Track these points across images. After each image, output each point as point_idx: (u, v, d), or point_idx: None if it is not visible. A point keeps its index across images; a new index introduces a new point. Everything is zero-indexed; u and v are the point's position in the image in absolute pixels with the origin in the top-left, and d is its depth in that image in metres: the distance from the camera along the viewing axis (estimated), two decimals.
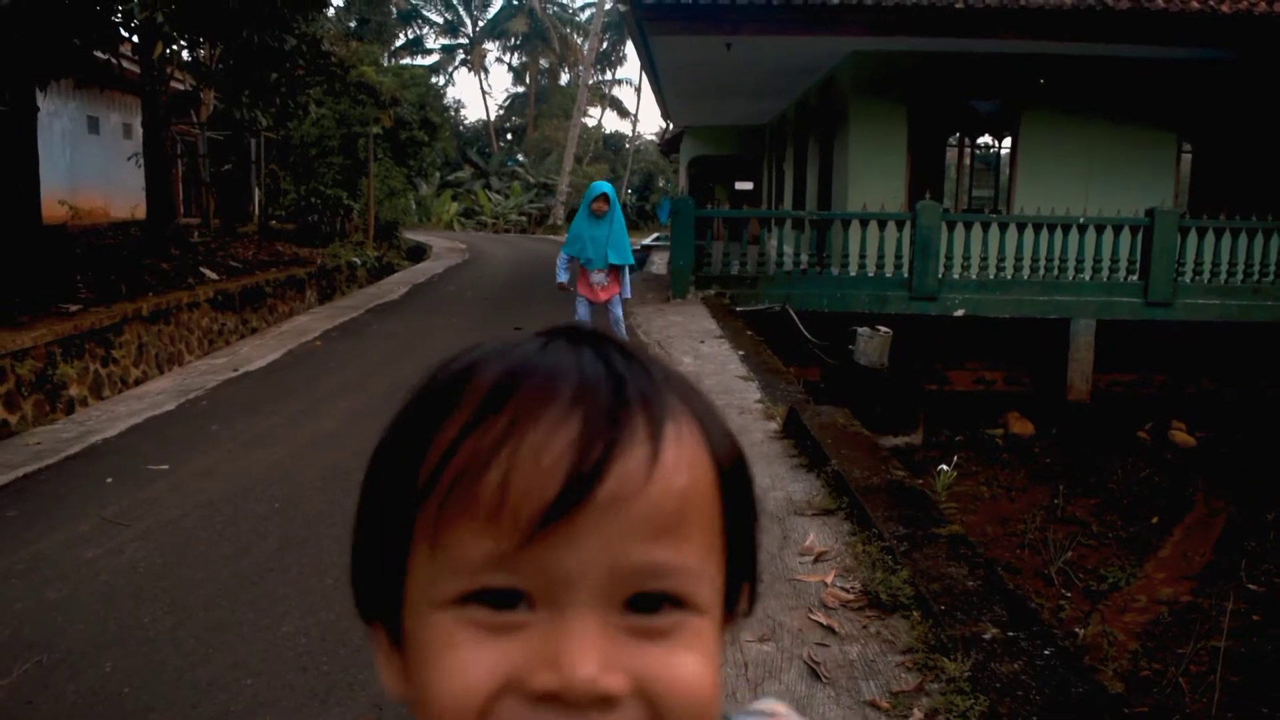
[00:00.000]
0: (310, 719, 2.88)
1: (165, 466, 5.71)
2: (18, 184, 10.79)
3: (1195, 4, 12.44)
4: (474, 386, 0.51)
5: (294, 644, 3.33)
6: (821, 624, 3.40)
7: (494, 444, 0.48)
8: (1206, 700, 7.07)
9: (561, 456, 0.48)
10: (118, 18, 8.88)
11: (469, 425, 0.49)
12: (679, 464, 0.50)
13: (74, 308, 9.56)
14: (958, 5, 12.05)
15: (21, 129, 10.62)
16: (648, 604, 0.49)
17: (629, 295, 8.53)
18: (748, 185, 26.23)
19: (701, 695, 0.49)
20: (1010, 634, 3.04)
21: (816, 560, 4.00)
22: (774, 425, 6.41)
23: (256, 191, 21.62)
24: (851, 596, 3.59)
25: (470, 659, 0.48)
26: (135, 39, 12.36)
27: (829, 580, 3.76)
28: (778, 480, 5.18)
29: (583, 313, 8.22)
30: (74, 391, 8.53)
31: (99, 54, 10.07)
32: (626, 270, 8.38)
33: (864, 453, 5.16)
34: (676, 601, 0.50)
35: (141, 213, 21.86)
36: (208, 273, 12.96)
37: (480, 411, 0.49)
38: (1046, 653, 2.95)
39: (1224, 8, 12.43)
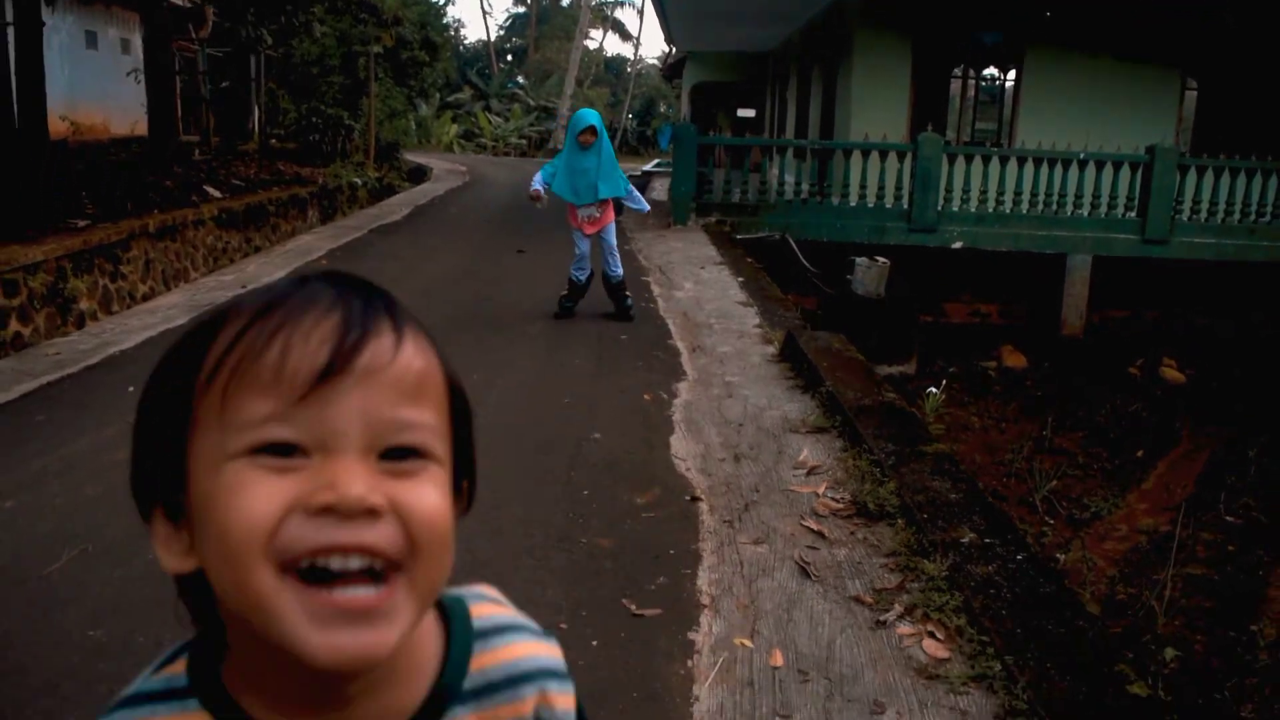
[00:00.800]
0: None
1: None
2: (26, 100, 10.84)
3: None
4: (240, 310, 0.65)
5: None
6: (812, 529, 3.66)
7: (272, 331, 0.63)
8: (1178, 623, 7.41)
9: (327, 337, 0.62)
10: None
11: (246, 326, 0.63)
12: (417, 353, 0.66)
13: (82, 223, 9.67)
14: None
15: (28, 44, 10.64)
16: (398, 455, 0.64)
17: (648, 208, 8.35)
18: (750, 112, 26.16)
19: (440, 517, 0.65)
20: (986, 540, 3.30)
21: (810, 474, 4.25)
22: (771, 349, 6.64)
23: (256, 110, 21.55)
24: (841, 506, 3.85)
25: (260, 491, 0.61)
26: None
27: (820, 491, 4.02)
28: (774, 400, 5.42)
29: (583, 246, 7.92)
30: (84, 305, 8.71)
31: None
32: (634, 194, 8.03)
33: (857, 376, 5.40)
34: (419, 454, 0.65)
35: (141, 129, 21.81)
36: (211, 191, 13.04)
37: (254, 316, 0.64)
38: (1019, 557, 3.21)
39: None
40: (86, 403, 5.43)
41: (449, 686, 0.73)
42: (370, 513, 0.61)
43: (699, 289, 9.00)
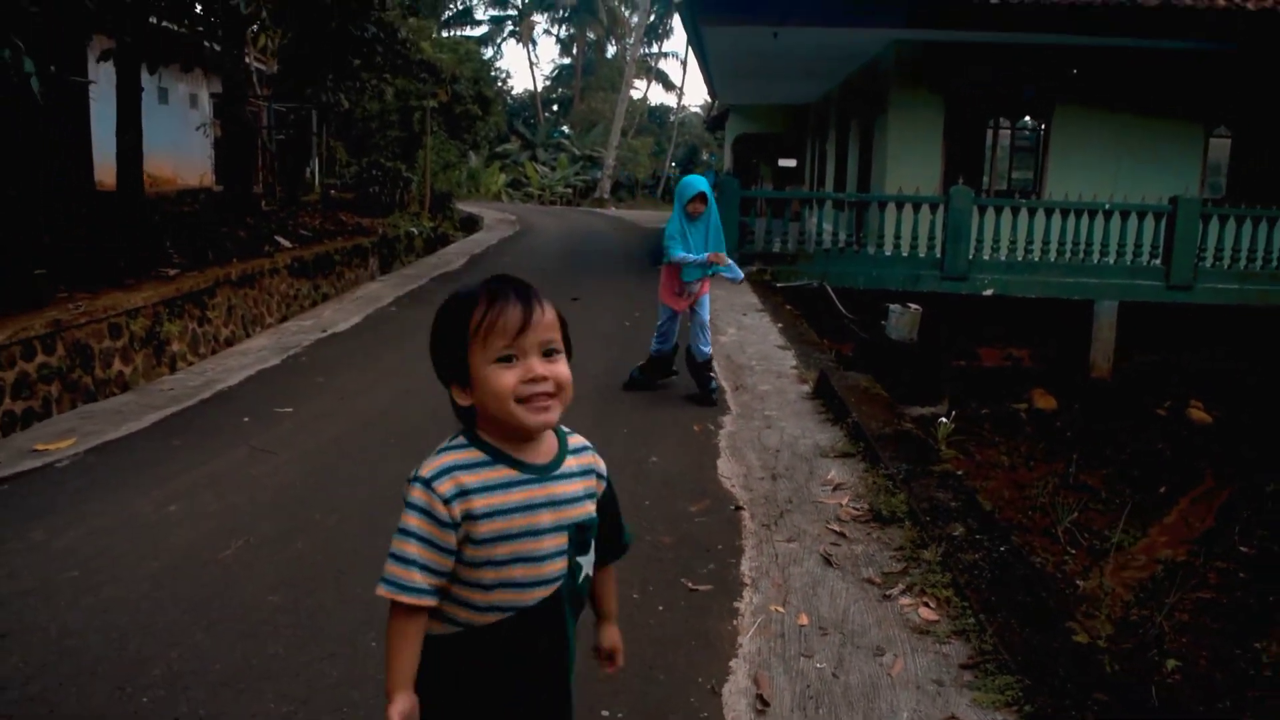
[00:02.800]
0: None
1: (290, 409, 6.86)
2: (124, 159, 11.99)
3: (1221, 1, 13.22)
4: (476, 297, 1.68)
5: None
6: (835, 531, 4.48)
7: (499, 310, 1.65)
8: (1184, 640, 8.08)
9: (520, 311, 1.66)
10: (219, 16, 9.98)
11: (486, 310, 1.65)
12: (551, 311, 1.71)
13: (172, 272, 10.67)
14: (993, 0, 12.92)
15: (128, 107, 11.78)
16: (550, 353, 1.70)
17: (742, 277, 7.66)
18: (791, 163, 27.10)
19: (568, 376, 1.72)
20: (975, 535, 4.10)
21: (835, 489, 5.07)
22: (807, 388, 7.47)
23: (315, 162, 22.83)
24: (860, 513, 4.67)
25: (505, 375, 1.65)
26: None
27: (843, 502, 4.84)
28: (808, 431, 6.26)
29: (665, 324, 7.51)
30: (175, 348, 9.67)
31: (205, 44, 11.14)
32: (733, 264, 7.37)
33: (880, 409, 6.22)
34: (557, 350, 1.71)
35: (207, 181, 23.14)
36: (282, 240, 14.08)
37: (488, 304, 1.65)
38: (1001, 548, 4.00)
39: (1249, 5, 13.20)
40: (211, 430, 6.36)
41: (562, 445, 1.80)
42: (544, 378, 1.66)
43: (741, 334, 9.86)
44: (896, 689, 3.12)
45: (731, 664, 3.28)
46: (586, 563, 1.76)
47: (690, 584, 3.92)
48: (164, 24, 12.59)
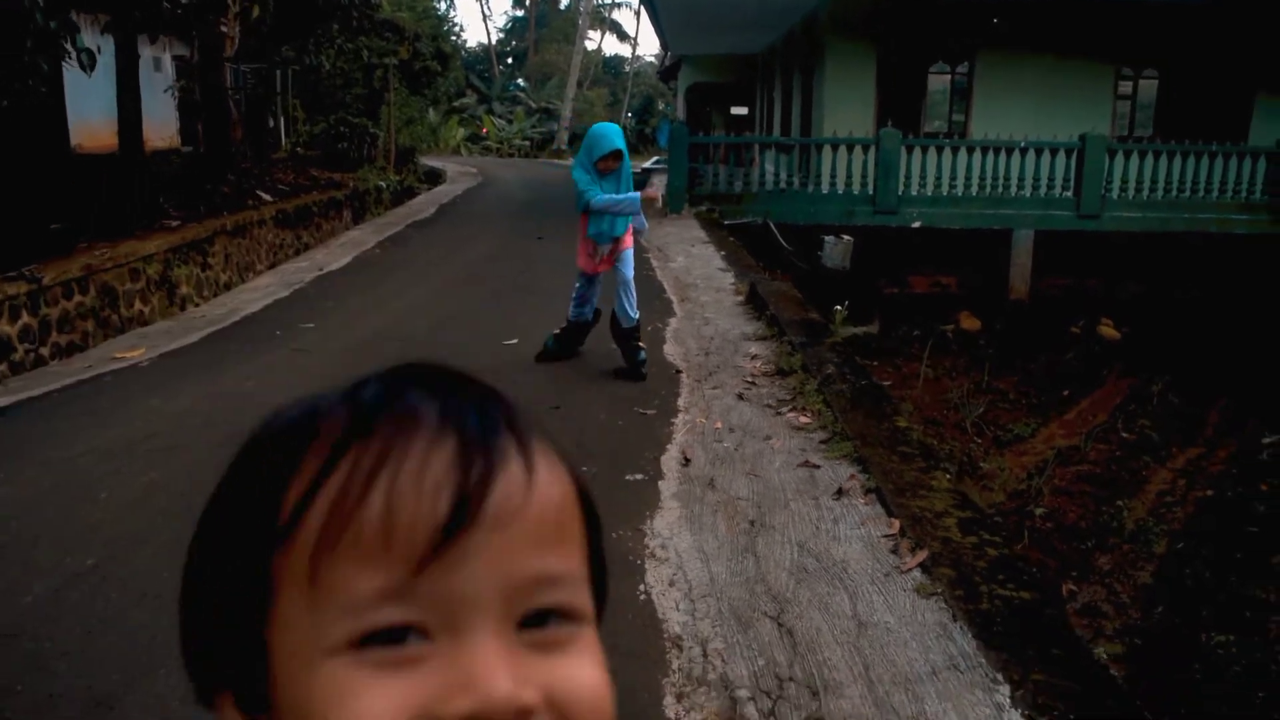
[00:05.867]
0: None
1: (311, 325, 8.51)
2: (125, 122, 13.42)
3: None
4: (329, 422, 0.52)
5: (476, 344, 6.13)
6: (748, 381, 6.23)
7: (370, 470, 0.48)
8: (1061, 500, 9.98)
9: (445, 476, 0.49)
10: None
11: (335, 454, 0.49)
12: (551, 478, 0.53)
13: (174, 223, 12.19)
14: None
15: (127, 74, 13.19)
16: (538, 620, 0.50)
17: (645, 227, 6.87)
18: (743, 110, 28.72)
19: (604, 699, 0.52)
20: (844, 372, 5.87)
21: (752, 358, 6.83)
22: (741, 297, 9.22)
23: (283, 120, 24.18)
24: (768, 370, 6.42)
25: (376, 701, 0.47)
26: None
27: (757, 365, 6.59)
28: (737, 324, 8.02)
29: (582, 290, 6.82)
30: (184, 290, 11.23)
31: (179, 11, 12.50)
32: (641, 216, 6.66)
33: (794, 306, 7.98)
34: (562, 615, 0.51)
35: (175, 143, 24.39)
36: (263, 195, 15.57)
37: (345, 439, 0.50)
38: (861, 382, 5.77)
39: None
40: (254, 339, 8.01)
41: None
42: (522, 713, 0.48)
43: (689, 261, 11.57)
44: (775, 455, 4.88)
45: (668, 446, 5.04)
46: None
47: (641, 410, 5.67)
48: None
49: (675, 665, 2.99)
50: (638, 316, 6.64)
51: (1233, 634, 7.42)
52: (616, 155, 6.33)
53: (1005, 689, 2.77)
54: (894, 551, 3.69)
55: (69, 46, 8.50)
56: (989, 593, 3.29)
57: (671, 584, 3.53)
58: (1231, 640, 7.33)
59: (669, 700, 2.82)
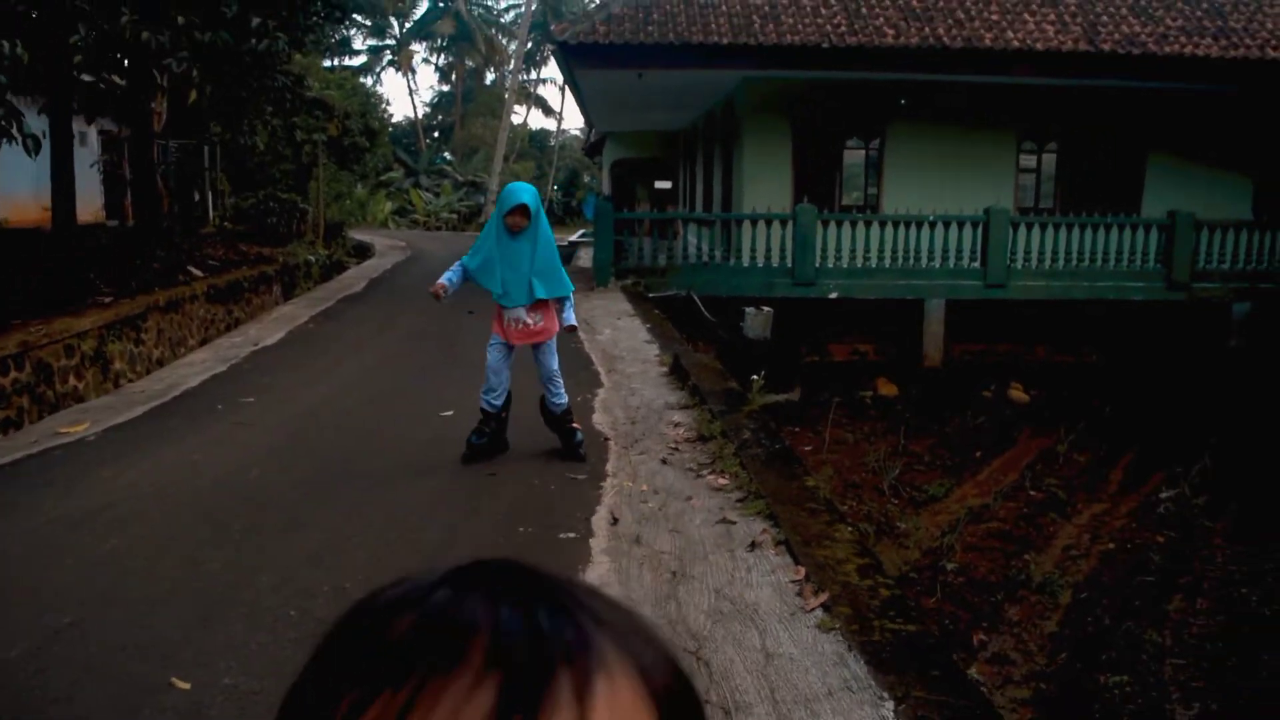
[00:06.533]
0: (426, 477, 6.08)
1: (251, 399, 8.84)
2: (59, 198, 13.67)
3: (1015, 42, 16.06)
4: (378, 645, 0.50)
5: (401, 448, 6.51)
6: (671, 447, 6.74)
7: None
8: (971, 556, 10.54)
9: None
10: (156, 71, 11.91)
11: (365, 698, 0.47)
12: None
13: (107, 299, 12.42)
14: (824, 45, 15.52)
15: (61, 151, 13.46)
16: None
17: (574, 323, 6.64)
18: (666, 184, 29.62)
19: None
20: (760, 439, 6.39)
21: (675, 426, 7.34)
22: (665, 368, 9.75)
23: (210, 195, 24.46)
24: (690, 436, 6.93)
25: None
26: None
27: (680, 432, 7.10)
28: (661, 394, 8.54)
29: (494, 360, 6.58)
30: (117, 366, 11.45)
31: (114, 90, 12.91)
32: (569, 302, 6.54)
33: (715, 376, 8.53)
34: None
35: (100, 216, 24.48)
36: (194, 270, 15.83)
37: (378, 685, 0.47)
38: (775, 446, 6.29)
39: (1038, 45, 16.07)
40: (195, 415, 8.32)
41: None
42: None
43: (615, 333, 12.10)
44: (696, 513, 5.37)
45: (597, 508, 5.51)
46: None
47: (573, 475, 6.13)
48: (83, 77, 14.34)
49: None
50: (565, 401, 6.66)
51: (1130, 676, 8.01)
52: (523, 211, 6.18)
53: (890, 704, 3.26)
54: (799, 594, 4.18)
55: (15, 132, 8.85)
56: (880, 626, 3.78)
57: None
58: (1127, 681, 7.92)
59: None
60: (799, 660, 3.61)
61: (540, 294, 6.28)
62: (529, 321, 6.40)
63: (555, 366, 6.56)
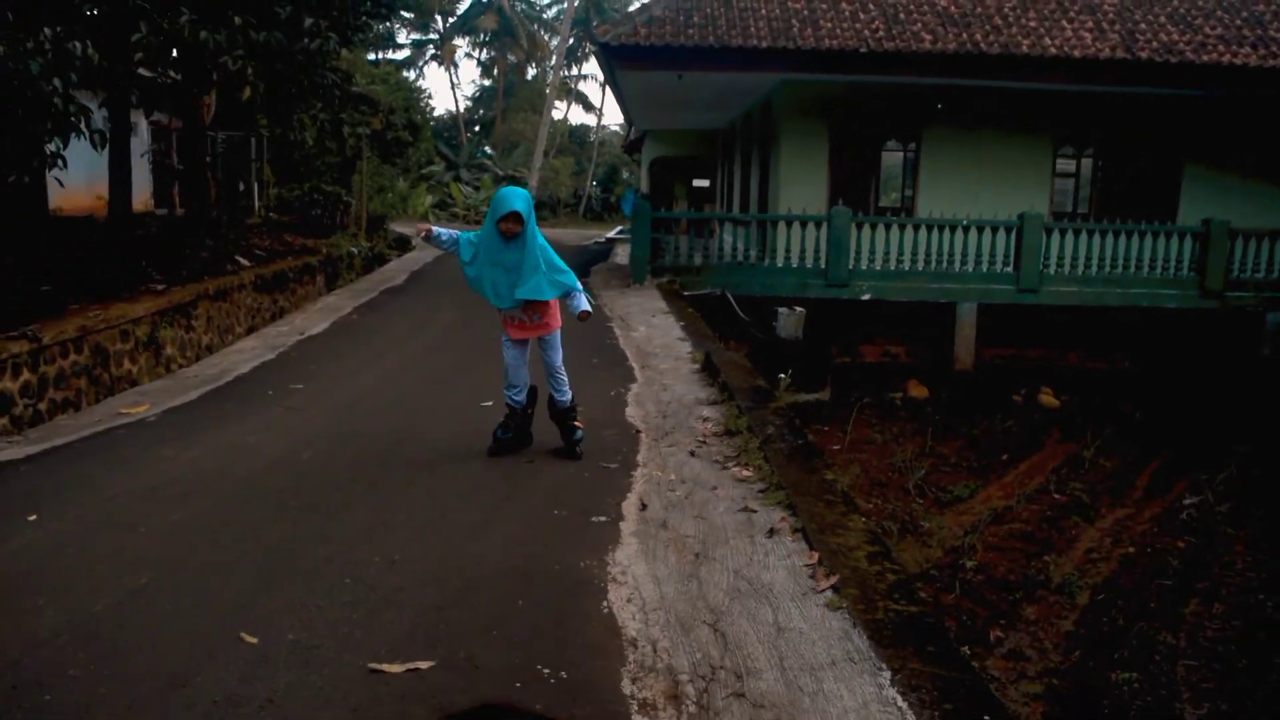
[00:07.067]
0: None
1: (300, 385, 9.29)
2: (115, 187, 14.22)
3: (1052, 49, 16.26)
4: None
5: (443, 435, 6.90)
6: (700, 440, 7.10)
7: None
8: (993, 555, 10.82)
9: None
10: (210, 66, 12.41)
11: None
12: None
13: (160, 287, 12.91)
14: (862, 50, 15.80)
15: (119, 144, 14.00)
16: None
17: (582, 306, 6.57)
18: (704, 183, 29.96)
19: None
20: (784, 434, 6.74)
21: (705, 420, 7.70)
22: (697, 365, 10.11)
23: (255, 186, 25.06)
24: (718, 431, 7.29)
25: None
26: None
27: (708, 426, 7.46)
28: (692, 390, 8.90)
29: (509, 358, 6.78)
30: (169, 351, 11.95)
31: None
32: (581, 292, 6.62)
33: (744, 374, 8.88)
34: None
35: (149, 205, 25.13)
36: (241, 260, 16.34)
37: None
38: (798, 442, 6.63)
39: (1075, 53, 16.26)
40: (248, 398, 8.78)
41: None
42: None
43: (650, 330, 12.47)
44: (720, 502, 5.73)
45: (628, 494, 5.89)
46: None
47: (606, 465, 6.51)
48: (141, 72, 14.87)
49: (631, 658, 3.80)
50: (569, 397, 6.80)
51: (1141, 675, 8.28)
52: (516, 218, 6.24)
53: (887, 674, 3.61)
54: (812, 576, 4.54)
55: (84, 128, 9.34)
56: (884, 607, 4.14)
57: (629, 601, 4.34)
58: (1136, 679, 8.20)
59: (625, 683, 3.63)
60: (807, 634, 3.96)
61: (523, 295, 6.40)
62: (525, 319, 6.61)
63: (559, 361, 6.77)
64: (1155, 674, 8.35)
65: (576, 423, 6.86)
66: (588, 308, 6.59)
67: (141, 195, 25.08)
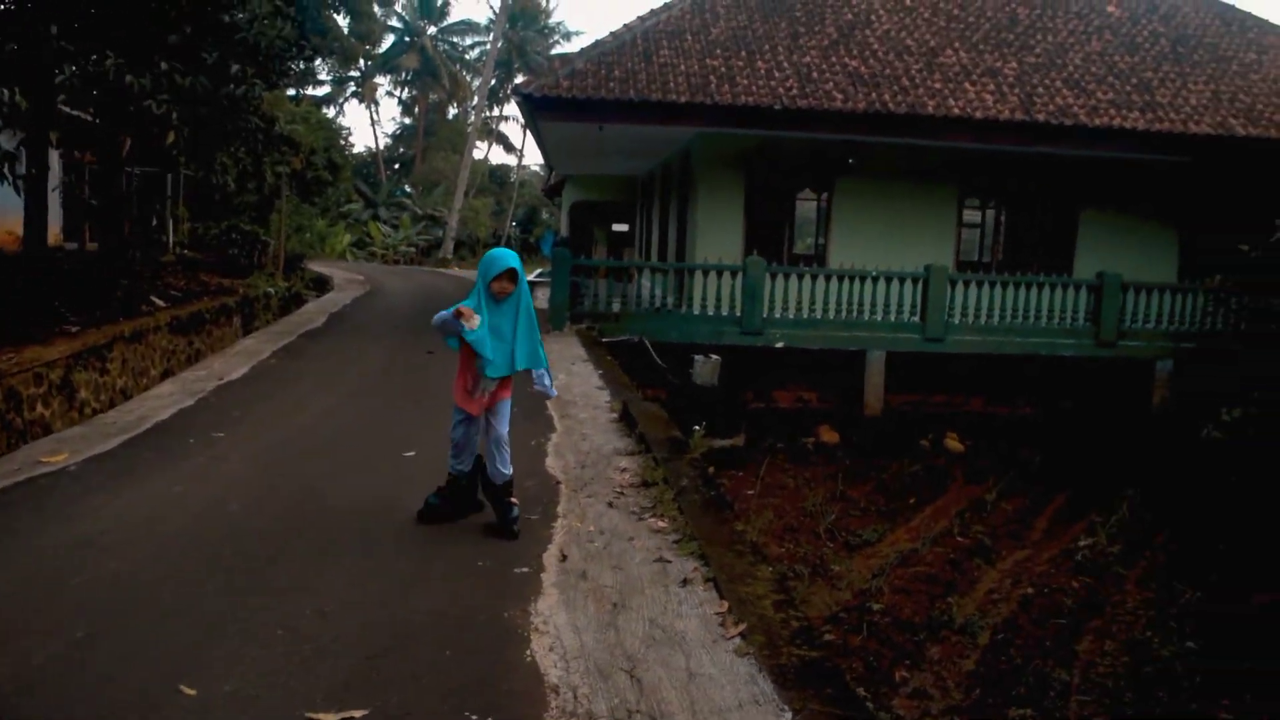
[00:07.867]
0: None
1: (221, 434, 9.41)
2: (33, 226, 14.12)
3: (956, 110, 17.07)
4: None
5: (369, 486, 7.12)
6: (617, 491, 7.43)
7: None
8: (899, 598, 11.26)
9: None
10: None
11: None
12: None
13: (74, 329, 12.85)
14: (776, 107, 16.42)
15: (37, 182, 13.91)
16: None
17: (554, 394, 6.75)
18: (624, 227, 30.47)
19: None
20: (698, 486, 7.10)
21: (622, 471, 8.04)
22: (615, 415, 10.45)
23: (170, 223, 24.88)
24: (635, 481, 7.63)
25: None
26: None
27: (626, 477, 7.80)
28: (610, 440, 9.23)
29: (459, 436, 6.45)
30: (83, 395, 11.92)
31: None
32: (547, 372, 6.50)
33: (660, 424, 9.24)
34: None
35: (58, 240, 24.74)
36: (157, 300, 16.27)
37: None
38: (711, 493, 6.99)
39: (977, 114, 17.09)
40: (168, 448, 8.87)
41: None
42: None
43: (569, 378, 12.79)
44: (636, 552, 6.06)
45: (549, 545, 6.19)
46: None
47: (527, 515, 6.80)
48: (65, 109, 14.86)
49: (553, 704, 4.10)
50: (510, 473, 6.41)
51: (1036, 711, 8.77)
52: (511, 276, 6.05)
53: (789, 715, 3.97)
54: (722, 624, 4.89)
55: (7, 173, 9.42)
56: (788, 652, 4.50)
57: (551, 649, 4.64)
58: (1031, 715, 8.68)
59: None
60: (717, 679, 4.31)
61: (522, 365, 6.21)
62: (492, 389, 6.30)
63: (506, 431, 6.38)
64: (1050, 709, 8.84)
65: (512, 499, 6.47)
66: (554, 392, 6.60)
67: (52, 229, 24.68)
